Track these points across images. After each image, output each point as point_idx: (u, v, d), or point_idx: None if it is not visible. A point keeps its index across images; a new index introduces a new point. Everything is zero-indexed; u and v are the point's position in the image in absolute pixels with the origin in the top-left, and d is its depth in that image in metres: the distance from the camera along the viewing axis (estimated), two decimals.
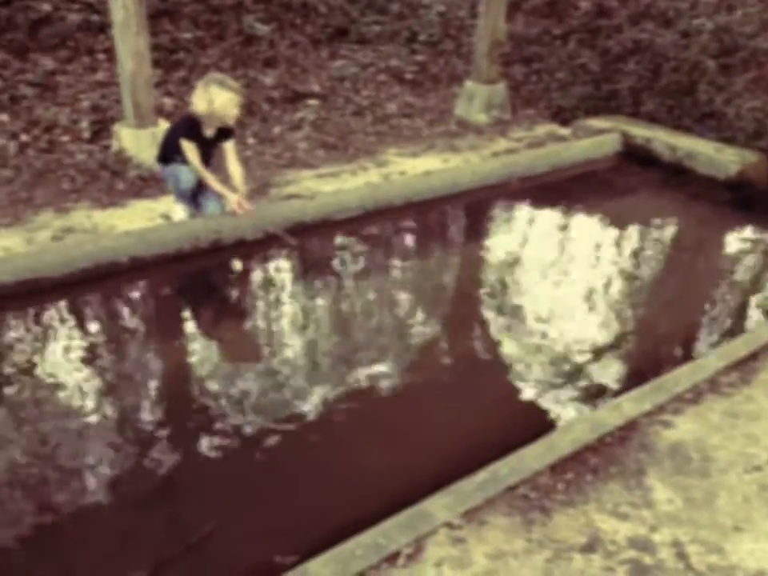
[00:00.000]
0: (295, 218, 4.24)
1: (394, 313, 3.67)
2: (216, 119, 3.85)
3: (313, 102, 5.93)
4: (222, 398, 2.89)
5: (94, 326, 3.38)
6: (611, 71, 6.56)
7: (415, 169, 5.12)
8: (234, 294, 3.84)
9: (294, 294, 3.76)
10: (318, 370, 3.13)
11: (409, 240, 4.52)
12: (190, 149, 3.84)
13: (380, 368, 3.13)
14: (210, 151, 4.00)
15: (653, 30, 6.40)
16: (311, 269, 4.04)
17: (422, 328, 3.53)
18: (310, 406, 2.85)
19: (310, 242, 4.21)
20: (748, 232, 4.81)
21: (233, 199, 3.92)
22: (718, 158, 5.34)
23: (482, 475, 2.28)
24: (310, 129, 5.55)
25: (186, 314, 3.64)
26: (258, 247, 4.08)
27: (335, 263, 4.10)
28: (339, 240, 4.31)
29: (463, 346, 3.40)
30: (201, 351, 3.24)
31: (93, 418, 2.72)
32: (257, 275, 3.96)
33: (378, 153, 5.41)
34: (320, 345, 3.32)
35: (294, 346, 3.28)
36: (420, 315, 3.64)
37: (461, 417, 2.86)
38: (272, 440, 2.65)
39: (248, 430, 2.70)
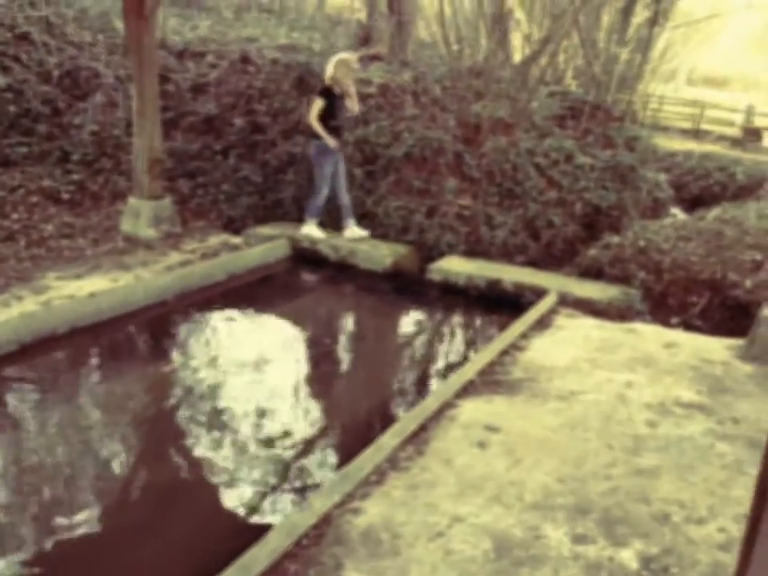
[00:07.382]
0: None
1: (78, 451, 3.24)
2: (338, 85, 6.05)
3: None
4: None
5: None
6: (273, 182, 6.98)
7: (80, 291, 4.74)
8: None
9: None
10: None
11: (81, 369, 4.11)
12: (316, 105, 6.00)
13: (74, 515, 2.72)
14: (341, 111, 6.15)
15: (303, 143, 6.99)
16: None
17: (116, 460, 3.20)
18: None
19: None
20: (409, 313, 5.37)
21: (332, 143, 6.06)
22: (374, 253, 5.93)
23: None
24: None
25: None
26: None
27: None
28: None
29: (164, 469, 3.14)
30: None
31: None
32: None
33: (34, 279, 4.91)
34: None
35: None
36: (112, 447, 3.30)
37: (165, 551, 2.60)
38: None
39: None
